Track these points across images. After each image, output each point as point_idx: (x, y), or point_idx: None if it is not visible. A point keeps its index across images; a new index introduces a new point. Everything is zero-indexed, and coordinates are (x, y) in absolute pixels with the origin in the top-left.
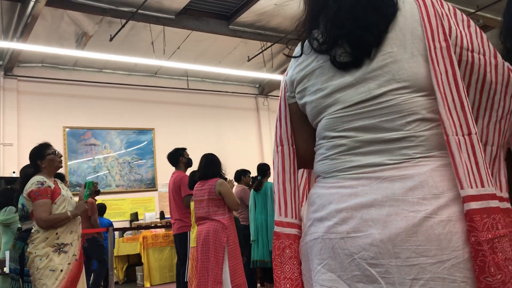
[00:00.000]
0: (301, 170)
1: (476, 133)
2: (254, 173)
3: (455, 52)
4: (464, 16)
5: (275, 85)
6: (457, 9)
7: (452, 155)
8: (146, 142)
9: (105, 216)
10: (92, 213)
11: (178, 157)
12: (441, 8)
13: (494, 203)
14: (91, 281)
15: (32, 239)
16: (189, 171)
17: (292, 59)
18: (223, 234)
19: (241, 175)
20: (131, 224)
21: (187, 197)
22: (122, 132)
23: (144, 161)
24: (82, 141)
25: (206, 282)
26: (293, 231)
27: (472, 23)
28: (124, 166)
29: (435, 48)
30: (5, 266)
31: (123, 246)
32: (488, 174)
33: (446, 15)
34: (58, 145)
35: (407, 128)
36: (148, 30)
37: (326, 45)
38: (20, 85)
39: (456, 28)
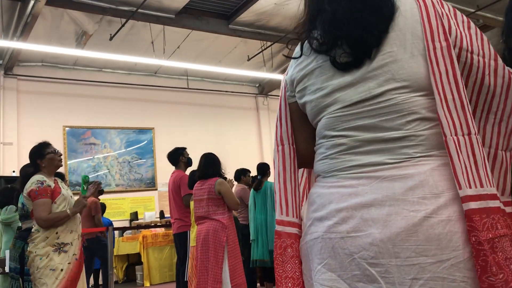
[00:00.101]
0: (301, 170)
1: (476, 133)
2: (253, 172)
3: (454, 52)
4: (464, 17)
5: (275, 85)
6: (457, 10)
7: (450, 156)
8: (146, 142)
9: (105, 215)
10: (96, 213)
11: (178, 156)
12: (442, 8)
13: (493, 203)
14: (92, 280)
15: (32, 238)
16: (188, 171)
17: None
18: (223, 233)
19: (241, 174)
20: (130, 224)
21: (187, 196)
22: (122, 131)
23: (144, 160)
24: (82, 140)
25: (206, 282)
26: (294, 230)
27: (472, 24)
28: (124, 165)
29: (434, 48)
30: (5, 265)
31: (122, 246)
32: (487, 174)
33: (447, 15)
34: (58, 144)
35: (407, 127)
36: (148, 30)
37: (325, 45)
38: (20, 84)
39: (456, 29)
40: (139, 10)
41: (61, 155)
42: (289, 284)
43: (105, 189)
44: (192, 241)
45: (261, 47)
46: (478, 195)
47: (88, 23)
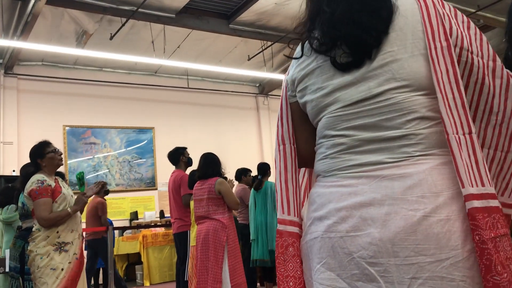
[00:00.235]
0: (302, 170)
1: (475, 132)
2: (254, 172)
3: (454, 52)
4: (465, 17)
5: (275, 84)
6: (457, 10)
7: (453, 154)
8: (146, 141)
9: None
10: (102, 213)
11: (178, 156)
12: (442, 9)
13: (493, 203)
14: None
15: (33, 237)
16: (188, 170)
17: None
18: (223, 233)
19: (241, 174)
20: (130, 223)
21: (186, 196)
22: (122, 131)
23: (144, 160)
24: (82, 140)
25: (206, 281)
26: (296, 229)
27: (472, 24)
28: (124, 165)
29: (435, 48)
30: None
31: (122, 245)
32: (487, 173)
33: (447, 15)
34: (58, 144)
35: (407, 126)
36: (149, 29)
37: (325, 46)
38: (20, 83)
39: (457, 29)
40: (140, 10)
41: (61, 154)
42: (291, 283)
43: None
44: (192, 241)
45: (262, 46)
46: (480, 194)
47: (88, 22)
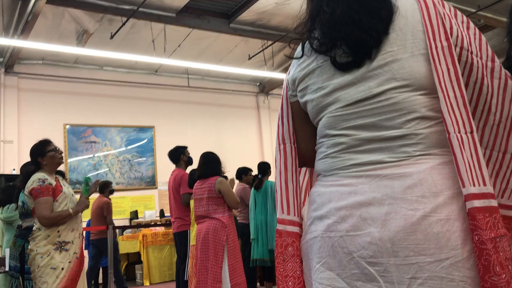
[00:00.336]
0: (303, 169)
1: (476, 131)
2: (254, 171)
3: (455, 52)
4: (465, 17)
5: (275, 84)
6: (457, 10)
7: (454, 153)
8: (146, 140)
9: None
10: (108, 213)
11: (179, 155)
12: (443, 9)
13: (494, 202)
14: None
15: (33, 236)
16: (189, 170)
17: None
18: (223, 232)
19: (242, 173)
20: (130, 222)
21: (185, 195)
22: (123, 129)
23: (144, 159)
24: (82, 139)
25: (206, 281)
26: (295, 229)
27: (471, 25)
28: (124, 163)
29: (436, 47)
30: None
31: (122, 244)
32: (487, 173)
33: (448, 15)
34: (58, 143)
35: (407, 126)
36: (149, 28)
37: (325, 46)
38: (21, 82)
39: (457, 29)
40: (140, 9)
41: (62, 152)
42: (290, 282)
43: None
44: (192, 240)
45: (262, 46)
46: (482, 193)
47: (89, 21)
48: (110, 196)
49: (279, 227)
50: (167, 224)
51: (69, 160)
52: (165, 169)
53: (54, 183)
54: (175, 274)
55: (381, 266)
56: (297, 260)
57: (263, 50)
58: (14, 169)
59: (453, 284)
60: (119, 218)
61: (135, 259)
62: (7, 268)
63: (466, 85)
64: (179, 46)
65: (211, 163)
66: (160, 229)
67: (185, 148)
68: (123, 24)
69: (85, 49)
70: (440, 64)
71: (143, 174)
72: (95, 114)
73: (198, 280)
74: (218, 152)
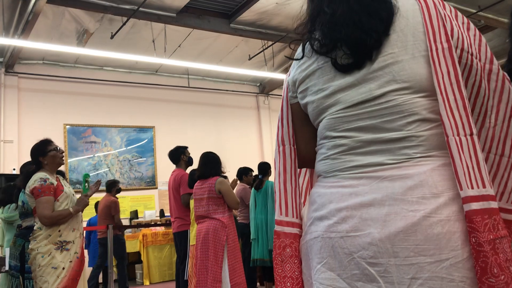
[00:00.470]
0: (303, 170)
1: (476, 134)
2: (254, 171)
3: (455, 54)
4: (465, 18)
5: (276, 84)
6: (458, 11)
7: (452, 156)
8: (146, 140)
9: None
10: (115, 212)
11: (179, 155)
12: (443, 10)
13: (494, 204)
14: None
15: (34, 236)
16: (189, 170)
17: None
18: (223, 232)
19: (242, 174)
20: (130, 222)
21: (185, 195)
22: (123, 129)
23: (144, 159)
24: (82, 139)
25: (205, 281)
26: (294, 230)
27: (472, 26)
28: (124, 163)
29: (436, 49)
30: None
31: None
32: (488, 175)
33: (448, 16)
34: (59, 142)
35: (408, 128)
36: (149, 28)
37: (325, 47)
38: (21, 82)
39: (458, 30)
40: (140, 9)
41: (63, 152)
42: (288, 283)
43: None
44: (192, 240)
45: (262, 46)
46: (481, 195)
47: (89, 21)
48: None
49: (277, 228)
50: (167, 224)
51: (69, 160)
52: (165, 169)
53: (55, 182)
54: (175, 273)
55: (381, 267)
56: (296, 261)
57: (263, 50)
58: (14, 169)
59: (453, 284)
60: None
61: (135, 258)
62: (7, 268)
63: (465, 87)
64: (179, 46)
65: (211, 163)
66: (160, 229)
67: (185, 148)
68: (124, 24)
69: (86, 49)
70: (440, 66)
71: (143, 174)
72: (95, 114)
73: (198, 279)
74: (218, 153)
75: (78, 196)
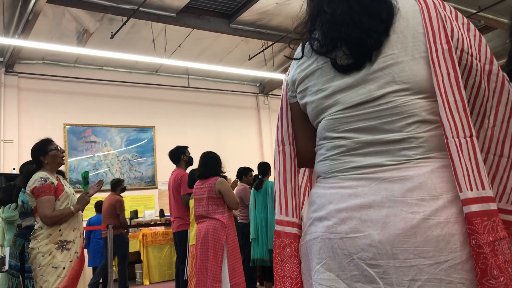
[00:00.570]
0: (302, 169)
1: (475, 136)
2: (254, 171)
3: (455, 55)
4: (465, 19)
5: (275, 84)
6: (458, 12)
7: (451, 158)
8: (146, 140)
9: None
10: (121, 211)
11: (179, 155)
12: (443, 10)
13: (493, 206)
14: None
15: (35, 235)
16: (189, 170)
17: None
18: (223, 232)
19: (242, 174)
20: (130, 222)
21: (186, 196)
22: (123, 129)
23: (144, 159)
24: (82, 138)
25: (205, 280)
26: (294, 230)
27: (472, 26)
28: (124, 163)
29: (436, 50)
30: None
31: None
32: (486, 177)
33: (448, 17)
34: (59, 142)
35: (407, 129)
36: (149, 28)
37: (325, 47)
38: (21, 81)
39: (458, 31)
40: (141, 9)
41: (63, 152)
42: (287, 283)
43: (105, 187)
44: (191, 240)
45: (262, 46)
46: (480, 197)
47: (89, 21)
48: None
49: (278, 228)
50: (167, 224)
51: (69, 160)
52: (165, 169)
53: (55, 182)
54: (174, 273)
55: (380, 268)
56: (295, 261)
57: (263, 50)
58: (14, 169)
59: (451, 286)
60: None
61: (135, 258)
62: (7, 267)
63: (464, 88)
64: (179, 46)
65: (211, 163)
66: (160, 229)
67: (185, 148)
68: (124, 23)
69: (86, 49)
70: (440, 68)
71: (143, 174)
72: (95, 114)
73: (198, 279)
74: (218, 153)
75: (78, 195)
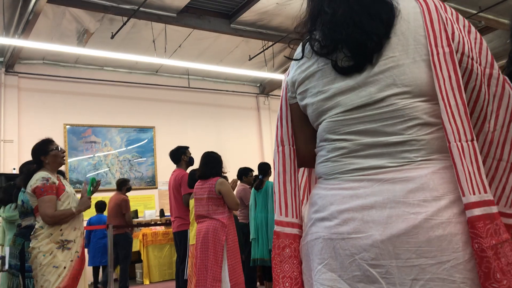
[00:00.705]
0: (301, 169)
1: (476, 139)
2: (254, 172)
3: (456, 58)
4: (466, 21)
5: (276, 85)
6: (459, 14)
7: (454, 162)
8: (146, 140)
9: (105, 213)
10: (126, 210)
11: (180, 155)
12: (445, 13)
13: (495, 209)
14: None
15: (35, 234)
16: (189, 170)
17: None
18: (222, 232)
19: (242, 174)
20: None
21: (186, 195)
22: (123, 129)
23: (145, 159)
24: (82, 139)
25: (205, 280)
26: (294, 230)
27: (473, 29)
28: (125, 163)
29: (438, 54)
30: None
31: None
32: (487, 180)
33: (450, 20)
34: (59, 142)
35: (408, 132)
36: (150, 28)
37: (326, 49)
38: (21, 82)
39: (459, 34)
40: (141, 9)
41: (64, 152)
42: (287, 283)
43: (106, 187)
44: (191, 240)
45: (263, 46)
46: (482, 201)
47: (89, 21)
48: (111, 195)
49: (277, 228)
50: (167, 224)
51: (69, 160)
52: (165, 169)
53: (57, 182)
54: (175, 273)
55: (383, 268)
56: (295, 262)
57: (263, 51)
58: (14, 169)
59: (454, 285)
60: None
61: (135, 258)
62: (7, 267)
63: (465, 92)
64: (179, 46)
65: (211, 164)
66: (160, 229)
67: (186, 148)
68: (124, 23)
69: (86, 49)
70: (441, 71)
71: (143, 174)
72: (96, 114)
73: (198, 279)
74: (218, 153)
75: (78, 195)
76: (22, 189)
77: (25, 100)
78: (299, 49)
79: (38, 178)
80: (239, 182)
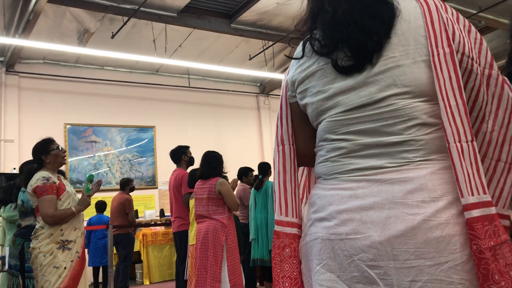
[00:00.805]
0: (301, 168)
1: (475, 140)
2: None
3: (457, 58)
4: (466, 21)
5: (276, 84)
6: (459, 14)
7: (453, 163)
8: (146, 140)
9: (105, 213)
10: (129, 210)
11: (180, 154)
12: (445, 13)
13: (494, 210)
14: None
15: (36, 235)
16: (189, 169)
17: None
18: (222, 233)
19: (242, 174)
20: None
21: (187, 195)
22: (123, 129)
23: (145, 158)
24: (82, 138)
25: (205, 280)
26: (293, 230)
27: (473, 29)
28: (125, 163)
29: (438, 54)
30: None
31: None
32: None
33: (450, 20)
34: (59, 142)
35: (408, 132)
36: (150, 28)
37: (326, 48)
38: (22, 81)
39: (459, 34)
40: (141, 9)
41: (65, 151)
42: (287, 283)
43: (106, 187)
44: (191, 240)
45: (263, 46)
46: (481, 202)
47: (90, 21)
48: (111, 195)
49: (277, 228)
50: (167, 224)
51: (69, 160)
52: (165, 169)
53: (57, 181)
54: (174, 273)
55: (381, 269)
56: (295, 262)
57: (263, 50)
58: (14, 168)
59: (452, 286)
60: None
61: (135, 258)
62: (6, 267)
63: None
64: (180, 46)
65: (212, 163)
66: (160, 229)
67: (187, 148)
68: (124, 23)
69: (86, 48)
70: (442, 72)
71: (144, 174)
72: (96, 114)
73: (198, 279)
74: (219, 152)
75: (78, 195)
76: (22, 188)
77: (26, 100)
78: (299, 48)
79: (38, 177)
80: (239, 182)
